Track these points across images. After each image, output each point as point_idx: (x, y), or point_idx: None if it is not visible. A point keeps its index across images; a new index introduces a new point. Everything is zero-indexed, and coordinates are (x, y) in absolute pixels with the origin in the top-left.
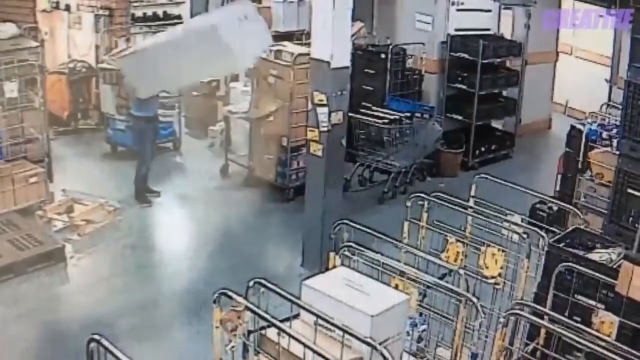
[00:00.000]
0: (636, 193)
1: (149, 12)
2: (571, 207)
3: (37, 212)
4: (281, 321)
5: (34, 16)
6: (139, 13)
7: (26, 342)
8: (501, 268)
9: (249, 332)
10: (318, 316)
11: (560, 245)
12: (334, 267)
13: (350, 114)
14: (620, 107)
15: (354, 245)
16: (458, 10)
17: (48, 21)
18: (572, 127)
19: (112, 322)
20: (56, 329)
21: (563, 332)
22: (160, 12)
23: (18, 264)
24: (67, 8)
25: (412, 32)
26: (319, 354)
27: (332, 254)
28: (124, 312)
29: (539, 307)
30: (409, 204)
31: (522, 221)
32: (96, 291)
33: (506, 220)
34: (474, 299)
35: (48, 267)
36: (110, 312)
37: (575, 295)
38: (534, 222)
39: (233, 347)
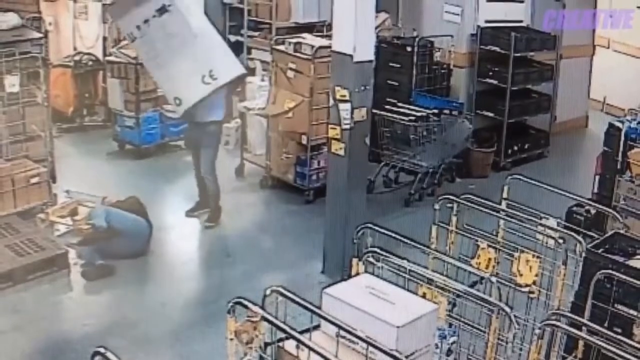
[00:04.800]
0: None
1: None
2: (610, 210)
3: (38, 215)
4: (300, 332)
5: (37, 5)
6: None
7: (26, 356)
8: (536, 275)
9: (266, 344)
10: (340, 327)
11: (599, 251)
12: (357, 274)
13: (374, 111)
14: None
15: (378, 250)
16: (488, 0)
17: (52, 11)
18: (611, 124)
19: (118, 334)
20: (58, 341)
21: (603, 344)
22: None
23: (18, 271)
24: None
25: (440, 23)
26: None
27: (354, 260)
28: (132, 322)
29: (576, 317)
30: (437, 206)
31: (558, 225)
32: (102, 300)
33: (541, 225)
34: (507, 309)
35: (50, 274)
36: (116, 323)
37: (616, 305)
38: (571, 226)
39: None
